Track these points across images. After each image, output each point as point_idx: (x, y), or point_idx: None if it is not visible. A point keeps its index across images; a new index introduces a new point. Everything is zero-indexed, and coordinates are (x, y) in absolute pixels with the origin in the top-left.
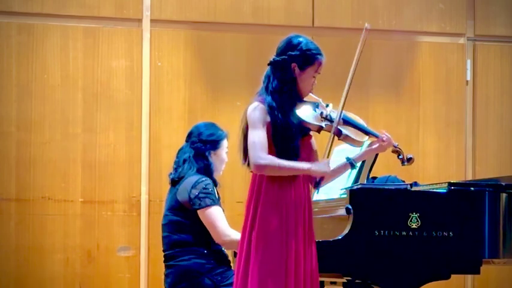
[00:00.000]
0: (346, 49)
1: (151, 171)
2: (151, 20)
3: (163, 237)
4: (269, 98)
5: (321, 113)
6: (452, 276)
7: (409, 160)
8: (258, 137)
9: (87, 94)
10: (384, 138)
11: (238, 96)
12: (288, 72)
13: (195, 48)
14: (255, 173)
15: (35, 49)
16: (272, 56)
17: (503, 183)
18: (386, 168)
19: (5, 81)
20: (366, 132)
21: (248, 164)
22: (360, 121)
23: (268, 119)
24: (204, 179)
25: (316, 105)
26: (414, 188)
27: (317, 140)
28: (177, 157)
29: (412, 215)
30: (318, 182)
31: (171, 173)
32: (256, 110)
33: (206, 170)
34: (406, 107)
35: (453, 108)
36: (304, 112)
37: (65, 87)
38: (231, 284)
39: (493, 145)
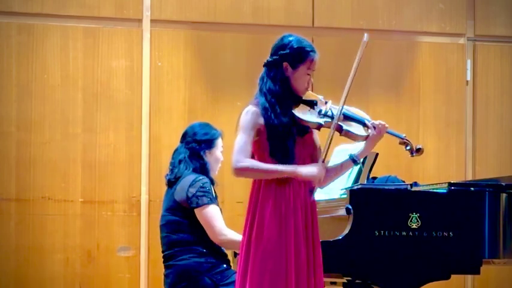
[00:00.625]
0: (346, 49)
1: (151, 171)
2: (152, 20)
3: (162, 238)
4: (263, 99)
5: (320, 111)
6: (452, 276)
7: (418, 151)
8: (241, 141)
9: (87, 94)
10: (376, 123)
11: (238, 96)
12: (280, 71)
13: (195, 48)
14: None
15: (35, 49)
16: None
17: (503, 183)
18: (386, 168)
19: (5, 81)
20: (365, 125)
21: None
22: (363, 114)
23: (262, 121)
24: (201, 177)
25: (314, 103)
26: (414, 188)
27: (320, 138)
28: (173, 158)
29: (412, 215)
30: (311, 189)
31: (167, 174)
32: (247, 114)
33: (202, 169)
34: (406, 107)
35: (453, 108)
36: (301, 111)
37: (65, 87)
38: (231, 283)
39: (493, 145)
